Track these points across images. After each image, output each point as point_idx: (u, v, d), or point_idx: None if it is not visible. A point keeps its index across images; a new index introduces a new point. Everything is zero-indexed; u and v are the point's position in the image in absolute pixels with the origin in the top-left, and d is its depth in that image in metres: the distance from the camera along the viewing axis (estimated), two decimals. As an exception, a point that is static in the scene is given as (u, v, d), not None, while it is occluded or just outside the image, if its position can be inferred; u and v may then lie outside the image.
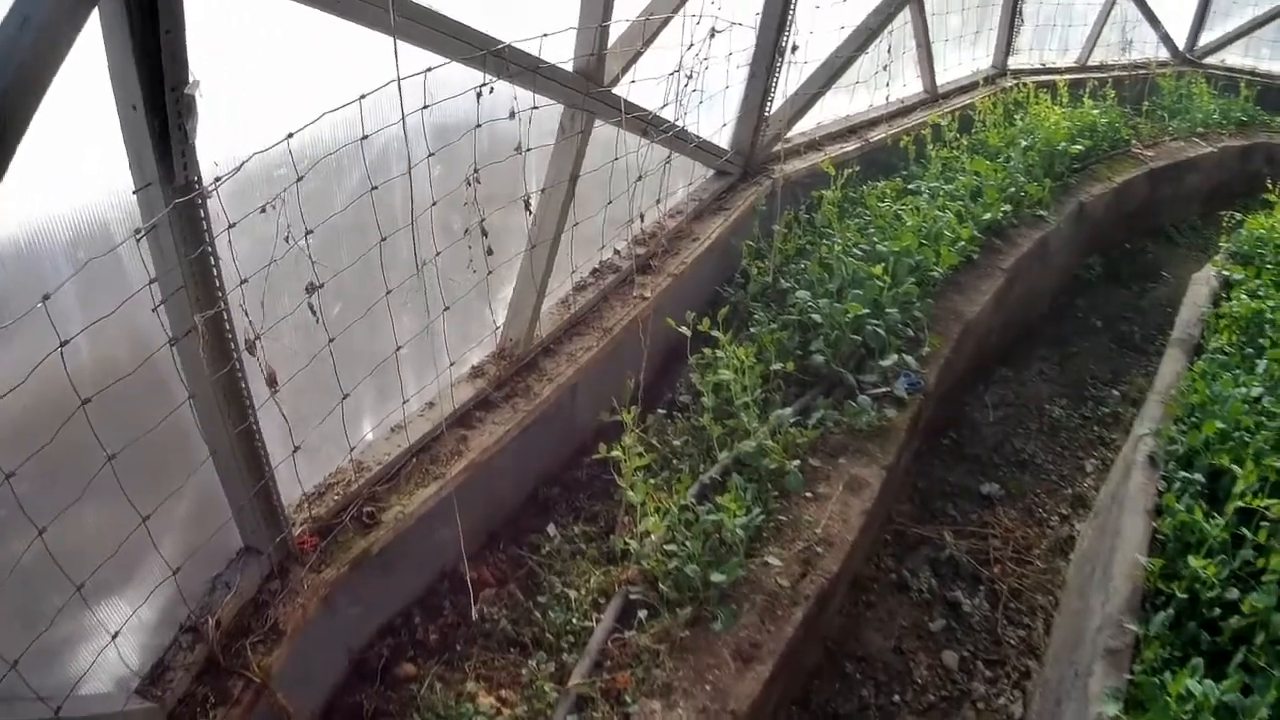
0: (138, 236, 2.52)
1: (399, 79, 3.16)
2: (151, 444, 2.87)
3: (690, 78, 5.44)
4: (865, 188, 7.29)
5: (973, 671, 4.94)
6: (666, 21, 4.99)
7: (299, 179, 2.96)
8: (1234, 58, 12.27)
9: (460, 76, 3.69)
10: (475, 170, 3.89)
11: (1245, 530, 3.98)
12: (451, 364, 4.19)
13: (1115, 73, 10.83)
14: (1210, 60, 12.26)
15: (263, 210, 2.88)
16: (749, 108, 6.37)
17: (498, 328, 4.64)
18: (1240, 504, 4.05)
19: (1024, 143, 8.10)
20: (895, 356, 5.47)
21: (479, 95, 3.75)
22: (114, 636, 2.99)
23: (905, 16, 7.95)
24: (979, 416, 6.71)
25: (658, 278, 5.47)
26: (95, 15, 2.25)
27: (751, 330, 5.69)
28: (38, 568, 2.60)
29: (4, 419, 2.43)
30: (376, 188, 3.33)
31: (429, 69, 3.41)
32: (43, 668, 2.77)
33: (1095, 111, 9.17)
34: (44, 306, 2.32)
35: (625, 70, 4.81)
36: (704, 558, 4.18)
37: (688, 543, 4.22)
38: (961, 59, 9.45)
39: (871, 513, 4.85)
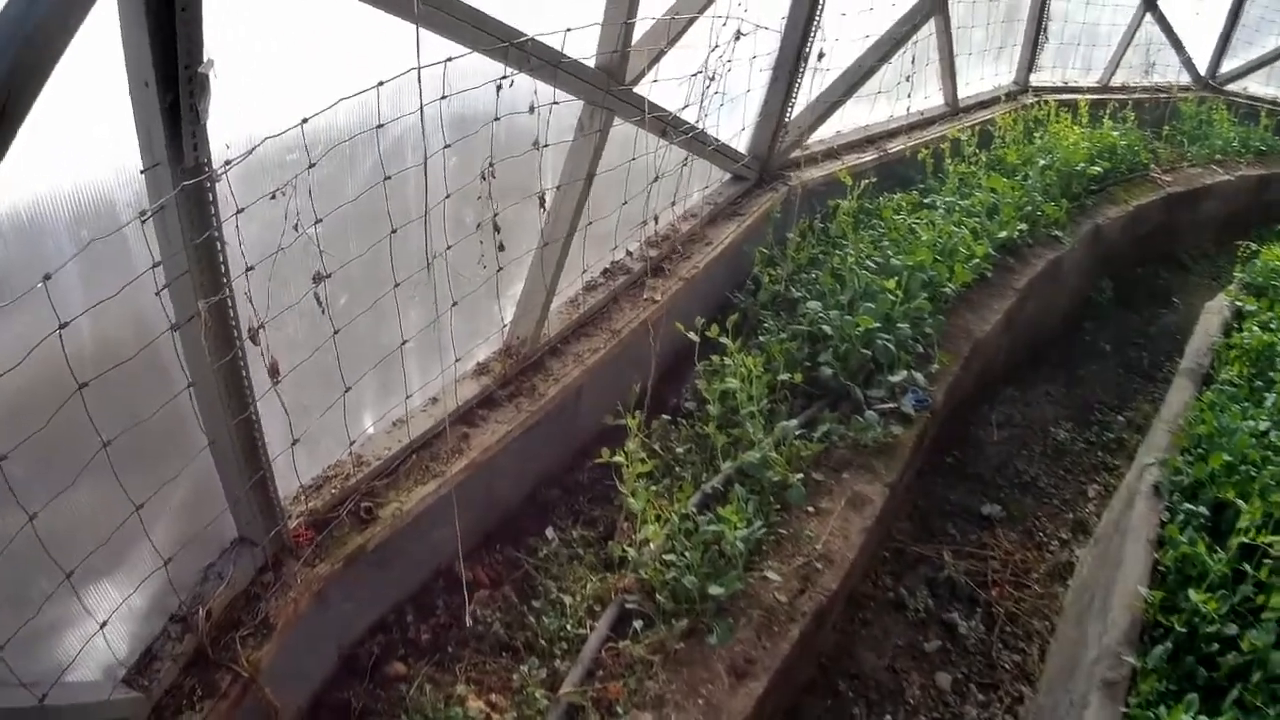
0: (143, 218, 2.44)
1: (419, 67, 3.08)
2: (148, 428, 2.79)
3: (712, 80, 5.36)
4: (881, 199, 7.19)
5: (966, 694, 4.86)
6: (692, 21, 4.89)
7: (311, 165, 2.88)
8: (1256, 86, 12.17)
9: (481, 68, 3.61)
10: (491, 164, 3.81)
11: (1247, 566, 3.95)
12: (457, 360, 4.11)
13: (1137, 95, 10.74)
14: (1232, 87, 12.16)
15: (272, 197, 2.79)
16: (769, 112, 6.28)
17: (505, 325, 4.55)
18: (1243, 540, 4.01)
19: (1042, 161, 8.00)
20: (904, 373, 5.38)
21: (499, 88, 3.67)
22: (102, 625, 2.91)
23: (930, 28, 7.84)
24: (983, 435, 6.62)
25: (669, 281, 5.38)
26: (110, -12, 2.17)
27: (760, 339, 5.61)
28: (26, 550, 2.52)
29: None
30: (390, 177, 3.25)
31: (449, 59, 3.33)
32: (28, 652, 2.70)
33: (1115, 133, 9.07)
34: (44, 286, 2.24)
35: (648, 69, 4.71)
36: (702, 569, 4.10)
37: (687, 553, 4.14)
38: (984, 74, 9.35)
39: (873, 531, 4.78)
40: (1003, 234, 6.82)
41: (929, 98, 8.48)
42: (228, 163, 2.56)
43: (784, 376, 5.15)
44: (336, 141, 3.13)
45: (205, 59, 2.28)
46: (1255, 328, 6.04)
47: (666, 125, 5.03)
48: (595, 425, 5.06)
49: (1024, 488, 6.25)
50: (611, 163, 4.69)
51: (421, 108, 3.21)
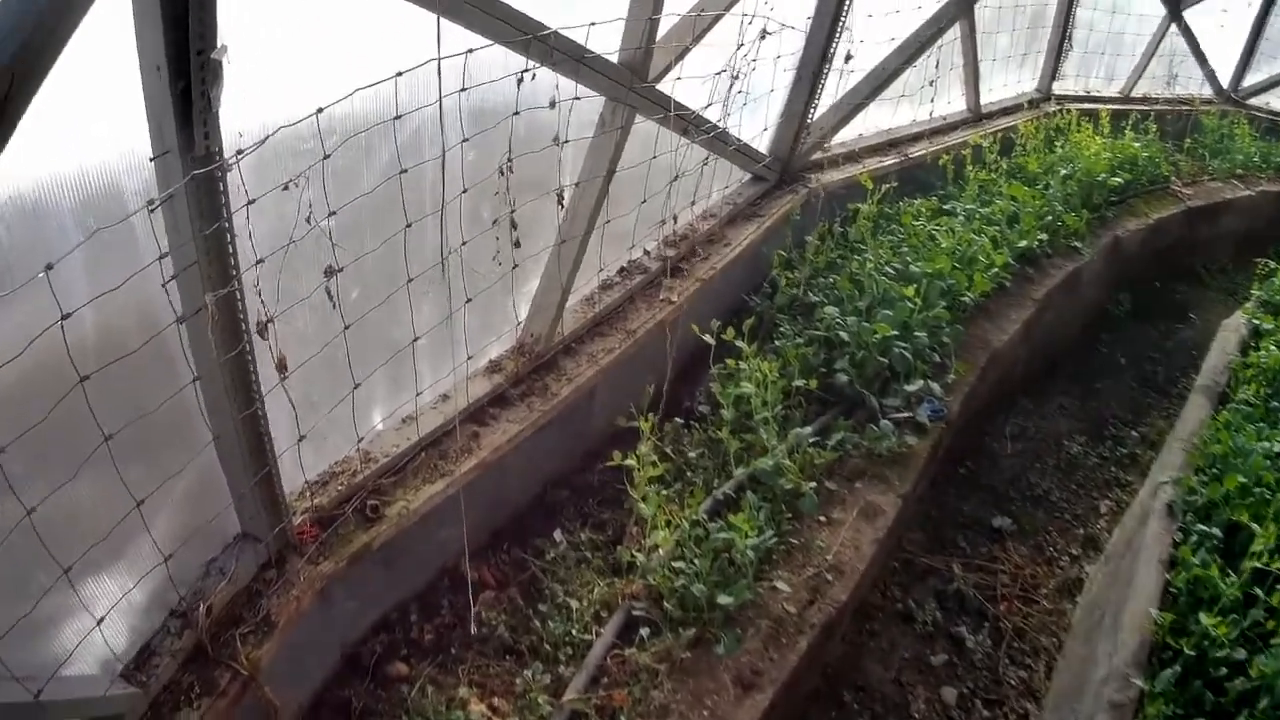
0: (151, 208, 2.33)
1: (439, 58, 2.96)
2: (152, 418, 2.69)
3: (736, 78, 5.23)
4: (901, 204, 7.05)
5: (971, 709, 4.75)
6: (718, 19, 4.78)
7: (326, 156, 2.77)
8: (1278, 102, 11.97)
9: (502, 60, 3.50)
10: (510, 159, 3.70)
11: (1258, 590, 3.86)
12: (469, 357, 4.00)
13: (1159, 106, 10.57)
14: (1254, 102, 11.96)
15: (285, 188, 2.68)
16: (791, 113, 6.15)
17: (519, 323, 4.44)
18: (1257, 564, 3.93)
19: (1064, 171, 7.86)
20: (921, 382, 5.26)
21: (520, 81, 3.55)
22: (99, 622, 2.83)
23: (955, 32, 7.70)
24: (997, 447, 6.49)
25: (686, 281, 5.26)
26: (122, -31, 2.07)
27: (776, 343, 5.49)
28: (25, 543, 2.43)
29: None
30: (407, 170, 3.14)
31: (470, 50, 3.21)
32: (26, 644, 2.62)
33: (1137, 145, 8.91)
34: (46, 276, 2.13)
35: (671, 66, 4.59)
36: (712, 577, 3.99)
37: (696, 560, 4.04)
38: (1007, 80, 9.21)
39: (884, 542, 4.67)
40: (1023, 243, 6.69)
41: (951, 103, 8.35)
42: (239, 152, 2.45)
43: (799, 382, 5.03)
44: (353, 132, 3.02)
45: (219, 44, 2.17)
46: (1273, 347, 5.91)
47: (689, 124, 4.91)
48: (607, 426, 4.94)
49: (1036, 501, 6.12)
50: (631, 161, 4.57)
51: (440, 100, 3.10)
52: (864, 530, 4.57)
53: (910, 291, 5.52)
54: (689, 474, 4.74)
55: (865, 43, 6.43)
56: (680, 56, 4.62)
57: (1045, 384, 7.23)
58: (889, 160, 7.23)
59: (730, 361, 5.03)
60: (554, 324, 4.47)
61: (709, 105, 5.13)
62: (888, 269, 5.92)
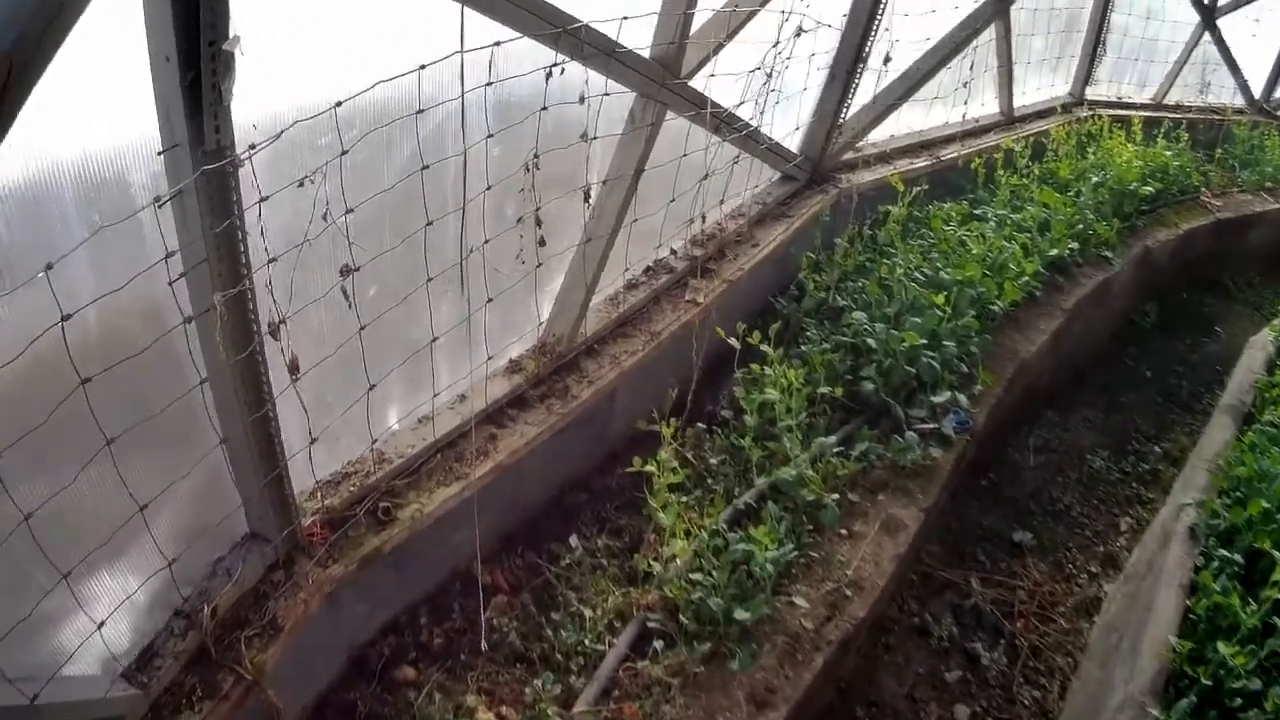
0: (159, 204, 2.17)
1: (462, 51, 2.78)
2: (159, 406, 2.55)
3: (770, 76, 5.03)
4: (931, 207, 6.83)
5: (983, 729, 4.58)
6: (752, 15, 4.56)
7: (344, 152, 2.59)
8: (1311, 114, 11.64)
9: (530, 53, 3.32)
10: (536, 155, 3.52)
11: (1278, 621, 3.80)
12: (490, 358, 3.83)
13: (1190, 115, 10.28)
14: (1286, 112, 11.65)
15: (300, 184, 2.51)
16: (824, 112, 5.93)
17: (541, 322, 4.26)
18: (1277, 594, 3.84)
19: (1095, 178, 7.60)
20: (948, 394, 5.06)
21: (548, 75, 3.36)
22: (99, 626, 2.71)
23: (990, 34, 7.45)
24: (1020, 459, 6.29)
25: (712, 282, 5.07)
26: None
27: (802, 348, 5.30)
28: (24, 539, 2.29)
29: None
30: (428, 166, 2.96)
31: (497, 43, 3.03)
32: (25, 643, 2.49)
33: (1168, 153, 8.64)
34: (46, 277, 1.97)
35: (704, 62, 4.39)
36: (729, 590, 3.83)
37: (714, 572, 3.88)
38: (1040, 84, 8.94)
39: (905, 558, 4.50)
40: (1054, 252, 6.46)
41: (985, 105, 8.11)
42: (252, 146, 2.28)
43: (824, 389, 4.85)
44: (373, 126, 2.84)
45: (231, 35, 1.99)
46: (1301, 368, 5.70)
47: (721, 122, 4.71)
48: (628, 429, 4.75)
49: (1057, 516, 5.92)
50: (660, 159, 4.37)
51: (463, 94, 2.91)
52: (885, 545, 4.40)
53: (940, 299, 5.31)
54: (709, 481, 4.57)
55: (900, 42, 6.19)
56: (714, 52, 4.42)
57: (1071, 395, 7.01)
58: (920, 162, 6.99)
59: (755, 366, 4.85)
60: (577, 324, 4.30)
61: (741, 103, 4.93)
62: (917, 275, 5.72)
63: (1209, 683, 3.61)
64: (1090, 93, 9.66)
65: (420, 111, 2.82)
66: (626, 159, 4.16)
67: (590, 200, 4.04)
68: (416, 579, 3.86)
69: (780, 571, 4.02)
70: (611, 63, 3.69)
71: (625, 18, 3.61)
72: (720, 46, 4.44)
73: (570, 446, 4.40)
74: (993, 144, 7.69)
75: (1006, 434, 6.30)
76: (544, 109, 3.44)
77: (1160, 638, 3.88)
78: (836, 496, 4.42)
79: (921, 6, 6.30)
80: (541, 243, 3.76)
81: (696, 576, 3.87)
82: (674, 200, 4.70)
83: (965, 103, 7.55)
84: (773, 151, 5.54)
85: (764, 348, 4.73)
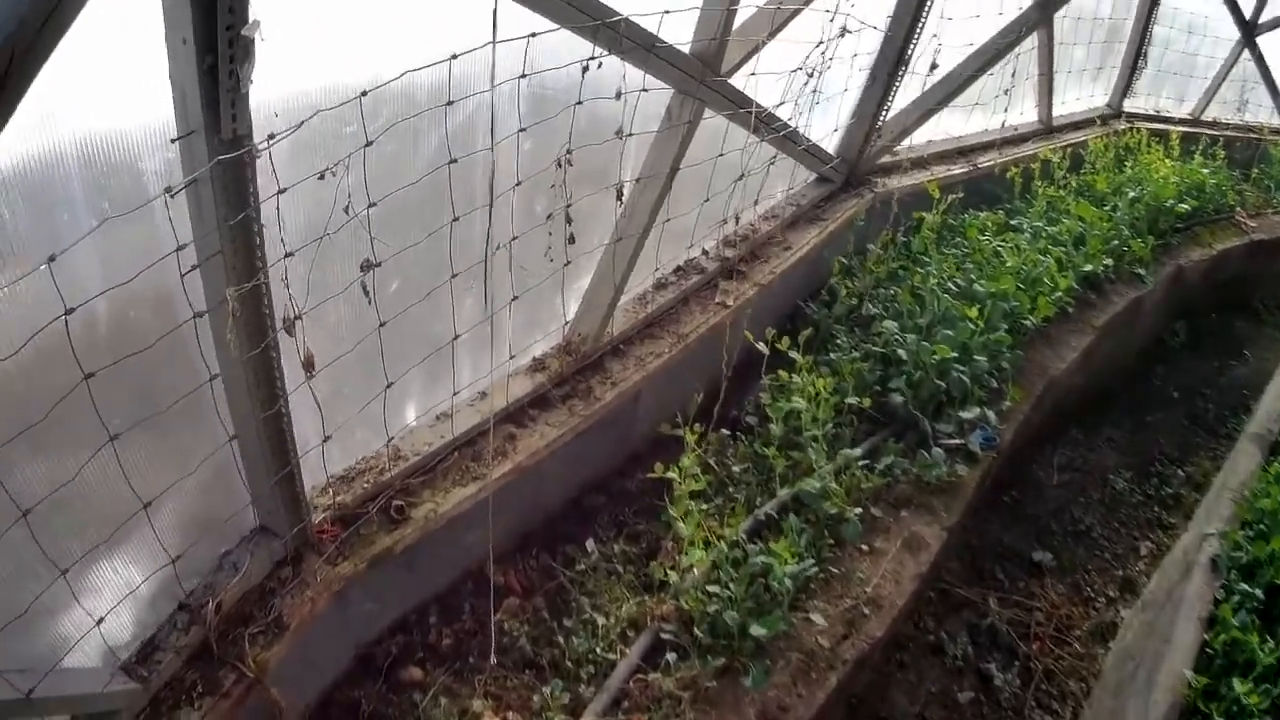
0: (171, 193, 2.00)
1: (494, 41, 2.58)
2: (167, 399, 2.39)
3: (811, 76, 4.81)
4: (967, 216, 6.61)
5: (992, 753, 4.41)
6: (796, 13, 4.35)
7: (368, 143, 2.41)
8: (1348, 136, 11.26)
9: (567, 46, 3.12)
10: (569, 151, 3.33)
11: None
12: (512, 357, 3.65)
13: (1228, 132, 9.93)
14: (1323, 135, 11.27)
15: (321, 177, 2.33)
16: (863, 114, 5.71)
17: (567, 321, 4.08)
18: None
19: (1132, 193, 7.34)
20: (977, 410, 4.86)
21: (585, 69, 3.17)
22: (98, 622, 2.58)
23: (1033, 41, 7.19)
24: (1043, 476, 6.06)
25: (743, 285, 4.87)
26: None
27: (831, 355, 5.09)
28: (23, 532, 2.16)
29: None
30: (456, 160, 2.78)
31: (533, 34, 2.84)
32: (24, 633, 2.37)
33: (1205, 171, 8.34)
34: (49, 269, 1.82)
35: (745, 60, 4.19)
36: (746, 603, 3.67)
37: (731, 584, 3.71)
38: (1080, 94, 8.67)
39: (926, 577, 4.32)
40: (1088, 267, 6.22)
41: (1024, 114, 7.84)
42: (271, 136, 2.10)
43: (852, 400, 4.66)
44: (401, 117, 2.66)
45: (251, 19, 1.81)
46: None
47: (759, 121, 4.50)
48: (651, 432, 4.57)
49: (1077, 537, 5.70)
50: (694, 157, 4.17)
51: (493, 88, 2.71)
52: (906, 563, 4.22)
53: (973, 312, 5.10)
54: (731, 489, 4.39)
55: (943, 46, 5.95)
56: (755, 50, 4.22)
57: (1097, 414, 6.75)
58: (957, 169, 6.75)
59: (783, 373, 4.66)
60: (604, 324, 4.11)
61: (781, 103, 4.72)
62: (950, 285, 5.50)
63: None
64: (1129, 105, 9.37)
65: (450, 103, 2.64)
66: (661, 157, 3.96)
67: (623, 198, 3.85)
68: (428, 578, 3.71)
69: (799, 587, 3.85)
70: (650, 58, 3.49)
71: (666, 11, 3.41)
72: (761, 44, 4.23)
73: (591, 448, 4.22)
74: (1030, 153, 7.43)
75: (1031, 451, 6.09)
76: (579, 103, 3.25)
77: (1176, 671, 3.75)
78: (859, 511, 4.24)
79: (966, 10, 6.06)
80: (571, 240, 3.57)
81: (713, 589, 3.70)
82: (708, 200, 4.51)
83: (1005, 110, 7.30)
84: (810, 153, 5.34)
85: (793, 354, 4.54)
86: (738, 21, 3.99)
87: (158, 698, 2.82)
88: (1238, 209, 8.60)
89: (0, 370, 1.94)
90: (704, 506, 4.13)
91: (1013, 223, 6.72)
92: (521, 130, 3.08)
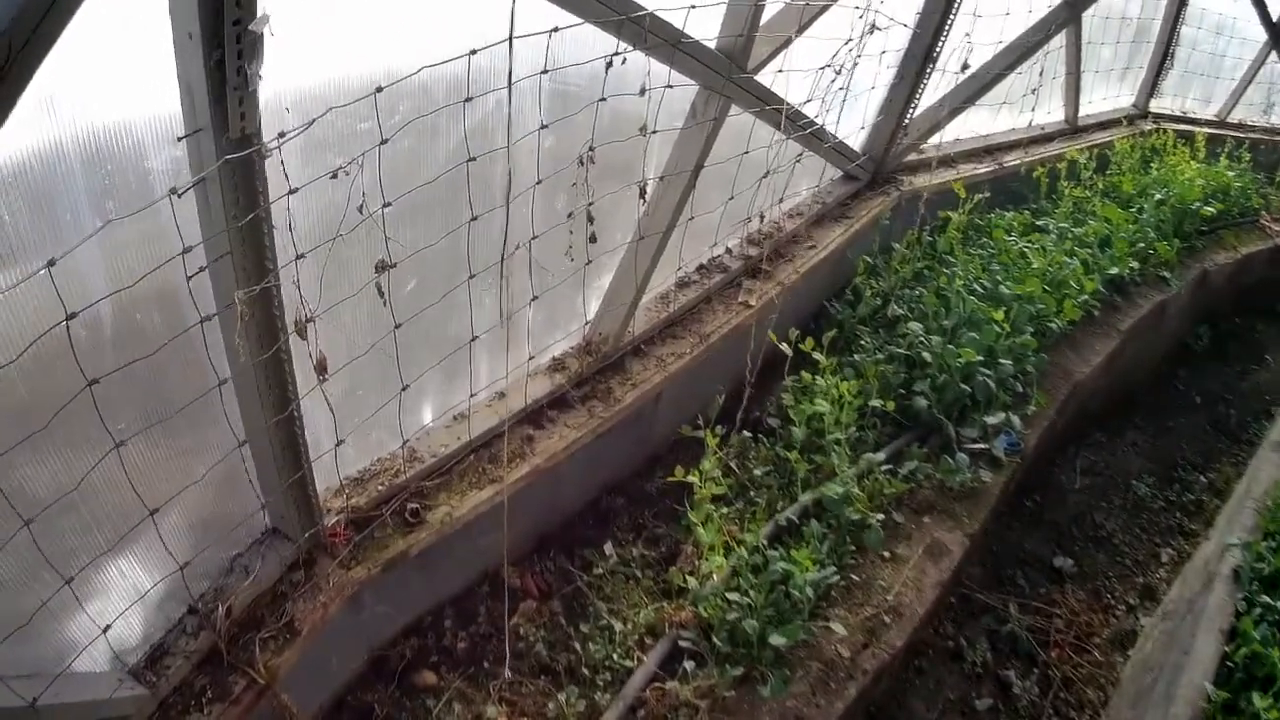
0: (179, 193, 1.87)
1: (511, 37, 2.43)
2: (176, 399, 2.27)
3: (839, 73, 4.64)
4: (993, 216, 6.42)
5: (1009, 762, 4.26)
6: (825, 9, 4.18)
7: (383, 141, 2.27)
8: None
9: (591, 41, 2.97)
10: (591, 149, 3.18)
11: None
12: (531, 357, 3.51)
13: (1253, 135, 9.67)
14: (1349, 139, 10.96)
15: (334, 176, 2.19)
16: (890, 112, 5.53)
17: (587, 321, 3.93)
18: None
19: (1158, 195, 7.13)
20: (1002, 415, 4.70)
21: (608, 65, 3.01)
22: (104, 630, 2.49)
23: (1061, 40, 6.98)
24: (1065, 481, 5.89)
25: (766, 284, 4.70)
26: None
27: (855, 356, 4.94)
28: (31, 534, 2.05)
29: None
30: (475, 159, 2.63)
31: (555, 28, 2.69)
32: (30, 636, 2.24)
33: (1230, 174, 8.11)
34: (49, 273, 1.69)
35: (773, 56, 4.02)
36: (765, 611, 3.53)
37: (751, 592, 3.57)
38: (1107, 94, 8.43)
39: (947, 584, 4.16)
40: (1114, 270, 6.03)
41: (1050, 113, 7.63)
42: (281, 134, 1.97)
43: (875, 403, 4.50)
44: (417, 113, 2.52)
45: (260, 13, 1.67)
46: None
47: (786, 118, 4.33)
48: (671, 433, 4.42)
49: (1099, 543, 5.53)
50: (719, 155, 4.00)
51: (510, 85, 2.55)
52: (928, 571, 4.08)
53: (999, 315, 4.93)
54: (752, 492, 4.24)
55: (972, 43, 5.76)
56: (782, 46, 4.05)
57: (1120, 418, 6.56)
58: (983, 168, 6.55)
59: (805, 375, 4.51)
60: (625, 323, 3.97)
61: (809, 100, 4.55)
62: (976, 287, 5.33)
63: (1241, 736, 3.39)
64: (1154, 105, 9.12)
65: (469, 99, 2.50)
66: (686, 154, 3.80)
67: (645, 196, 3.70)
68: (443, 581, 3.58)
69: (819, 594, 3.72)
70: (676, 53, 3.33)
71: (693, 6, 3.25)
72: (789, 40, 4.07)
73: (611, 450, 4.08)
74: (1056, 152, 7.22)
75: (1054, 455, 5.92)
76: (602, 100, 3.10)
77: (1196, 684, 3.62)
78: (881, 517, 4.10)
79: (995, 8, 5.86)
80: (593, 239, 3.43)
81: (733, 596, 3.56)
82: (732, 198, 4.35)
83: (1033, 110, 7.09)
84: (837, 150, 5.16)
85: (816, 355, 4.39)
86: (765, 17, 3.82)
87: (166, 703, 2.72)
88: (1262, 213, 8.38)
89: (2, 373, 1.82)
90: (724, 510, 3.99)
91: (1039, 223, 6.53)
92: (543, 127, 2.93)
